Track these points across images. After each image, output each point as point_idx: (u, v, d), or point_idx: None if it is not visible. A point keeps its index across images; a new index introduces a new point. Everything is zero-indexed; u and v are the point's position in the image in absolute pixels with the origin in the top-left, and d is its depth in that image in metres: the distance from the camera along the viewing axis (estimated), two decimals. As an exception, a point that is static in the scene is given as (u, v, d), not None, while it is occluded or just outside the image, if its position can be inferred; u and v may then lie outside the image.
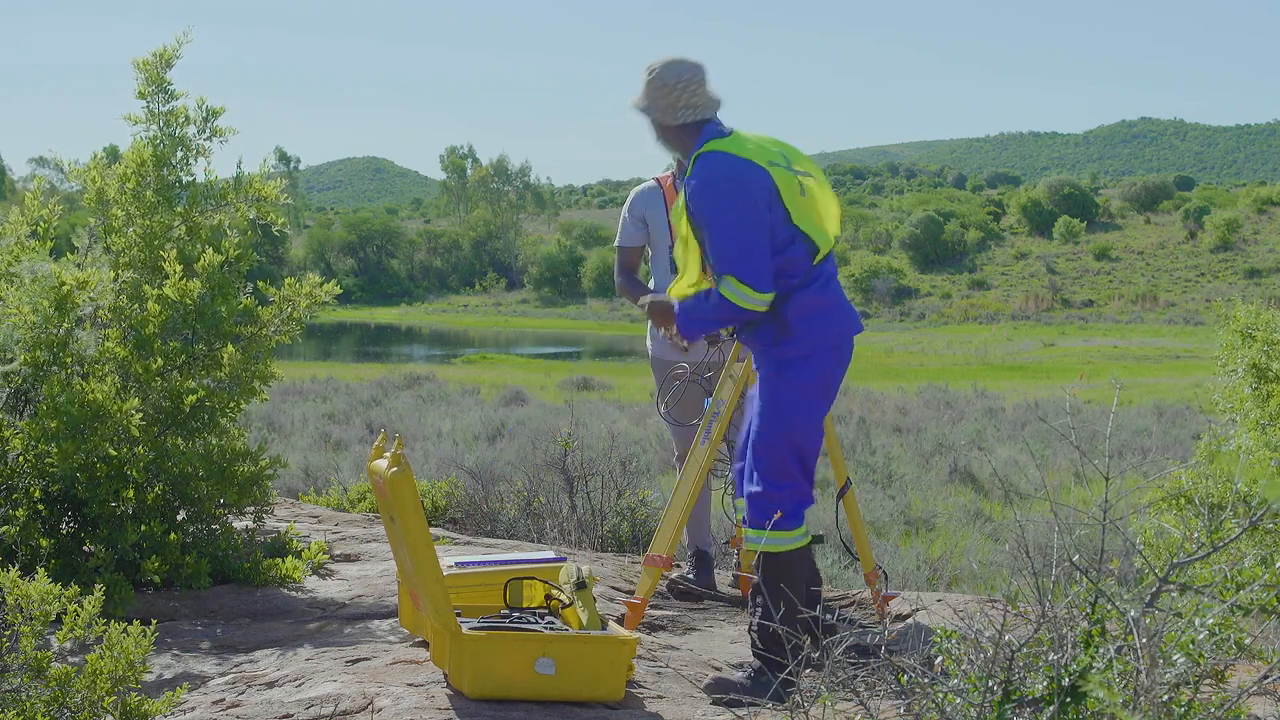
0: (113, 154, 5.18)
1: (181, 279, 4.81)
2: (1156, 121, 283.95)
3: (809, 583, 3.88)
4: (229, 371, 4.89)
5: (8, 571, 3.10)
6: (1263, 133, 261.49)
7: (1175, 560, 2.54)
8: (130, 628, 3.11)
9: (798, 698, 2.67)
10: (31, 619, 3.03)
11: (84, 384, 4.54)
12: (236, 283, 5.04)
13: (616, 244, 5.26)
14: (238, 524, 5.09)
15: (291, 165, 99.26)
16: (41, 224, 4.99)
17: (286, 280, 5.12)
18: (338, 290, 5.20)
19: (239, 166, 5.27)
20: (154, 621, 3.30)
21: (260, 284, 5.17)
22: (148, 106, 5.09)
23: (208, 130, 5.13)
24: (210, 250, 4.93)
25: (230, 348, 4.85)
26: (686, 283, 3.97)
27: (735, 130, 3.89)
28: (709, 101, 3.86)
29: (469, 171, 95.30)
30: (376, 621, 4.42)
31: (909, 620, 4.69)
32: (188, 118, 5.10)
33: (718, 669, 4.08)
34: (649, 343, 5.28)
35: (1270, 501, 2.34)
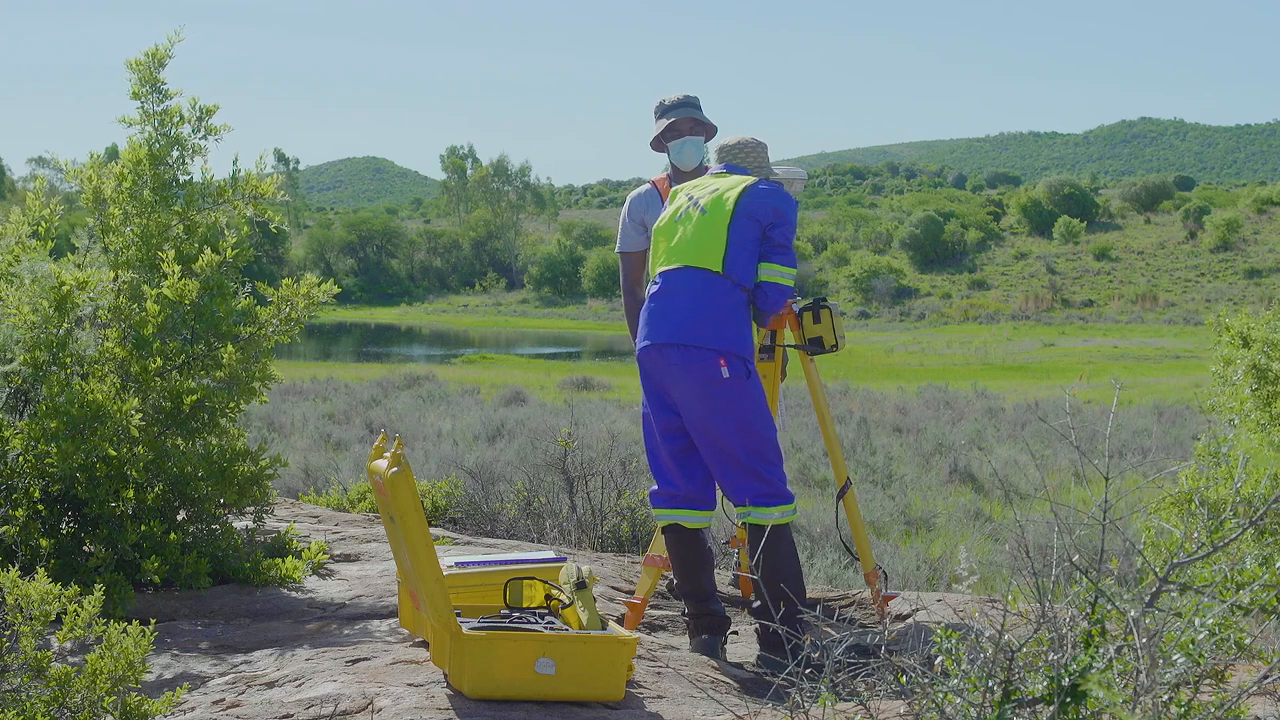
0: (113, 154, 5.18)
1: (180, 279, 4.81)
2: (1156, 121, 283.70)
3: (679, 560, 4.37)
4: (228, 372, 4.89)
5: (8, 571, 3.10)
6: (1263, 133, 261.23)
7: (1175, 560, 2.54)
8: (130, 628, 3.11)
9: (798, 698, 2.67)
10: (31, 619, 3.03)
11: (83, 384, 4.54)
12: (234, 281, 5.04)
13: (618, 250, 5.24)
14: (238, 524, 5.09)
15: (291, 166, 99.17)
16: (43, 224, 4.99)
17: (284, 281, 5.13)
18: (336, 290, 5.20)
19: (234, 164, 5.27)
20: (153, 621, 3.30)
21: (258, 284, 5.17)
22: (142, 107, 5.09)
23: (202, 129, 5.13)
24: (209, 250, 4.94)
25: (229, 348, 4.85)
26: None
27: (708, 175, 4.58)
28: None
29: (469, 171, 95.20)
30: (376, 621, 4.42)
31: (909, 620, 4.69)
32: (182, 117, 5.10)
33: (718, 669, 4.08)
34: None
35: (1271, 500, 2.35)
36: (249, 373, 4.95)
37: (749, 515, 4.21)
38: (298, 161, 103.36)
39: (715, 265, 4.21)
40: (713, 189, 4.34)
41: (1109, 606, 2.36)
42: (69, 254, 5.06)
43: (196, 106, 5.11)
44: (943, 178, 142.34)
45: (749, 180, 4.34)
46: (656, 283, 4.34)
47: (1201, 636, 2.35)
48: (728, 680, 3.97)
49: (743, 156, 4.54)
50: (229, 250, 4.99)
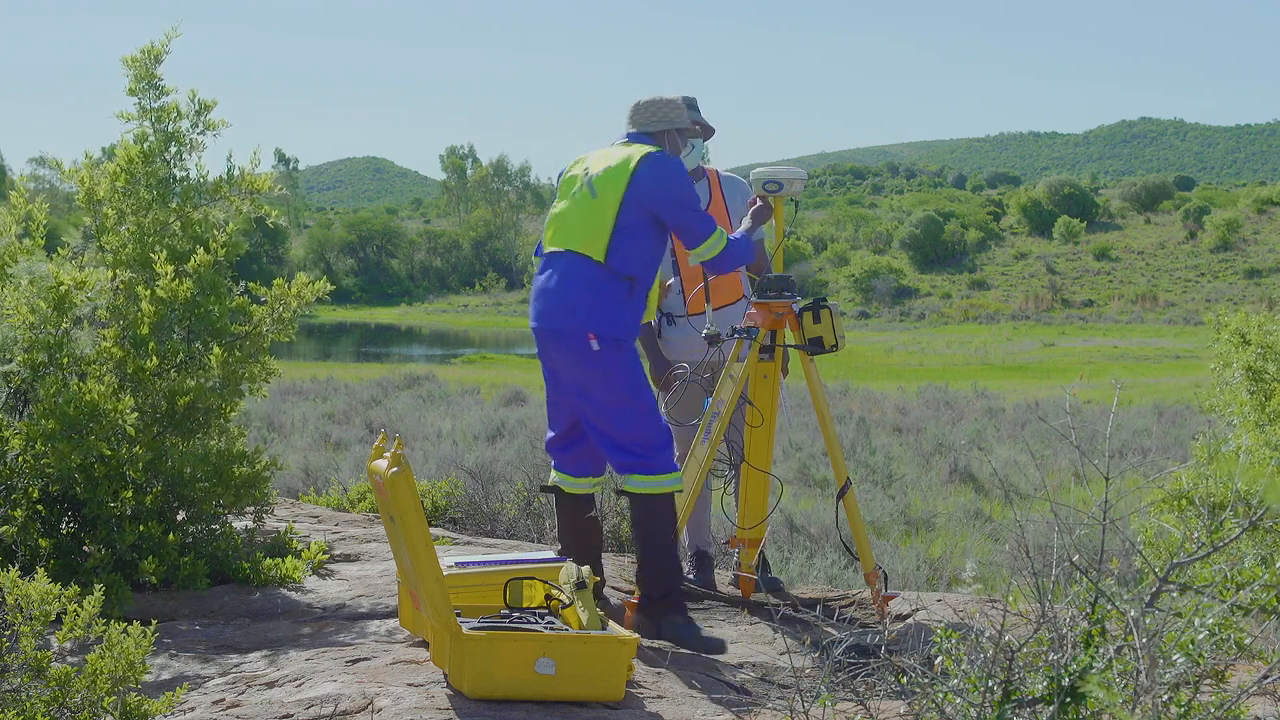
0: (111, 154, 5.17)
1: (174, 279, 4.81)
2: (1156, 121, 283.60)
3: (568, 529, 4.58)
4: (222, 371, 4.89)
5: (7, 571, 3.10)
6: (1263, 133, 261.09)
7: (1175, 560, 2.54)
8: (130, 628, 3.11)
9: (798, 697, 2.67)
10: (31, 619, 3.03)
11: (80, 384, 4.54)
12: (228, 279, 5.05)
13: None
14: (237, 524, 5.09)
15: (291, 166, 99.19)
16: (31, 222, 4.98)
17: (275, 281, 5.14)
18: (330, 287, 5.22)
19: (229, 160, 5.27)
20: (154, 621, 3.30)
21: (251, 285, 5.18)
22: (139, 103, 5.09)
23: (200, 123, 5.12)
24: (200, 249, 4.94)
25: (217, 350, 4.85)
26: None
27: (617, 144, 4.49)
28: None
29: (469, 171, 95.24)
30: (376, 621, 4.42)
31: (909, 620, 4.68)
32: (179, 112, 5.10)
33: (718, 669, 4.08)
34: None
35: (1270, 503, 2.35)
36: (241, 374, 4.95)
37: (625, 484, 4.32)
38: (297, 161, 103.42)
39: (597, 255, 4.25)
40: (605, 165, 4.32)
41: (1109, 606, 2.36)
42: (59, 249, 5.05)
43: (195, 100, 5.11)
44: (943, 178, 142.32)
45: (639, 155, 4.30)
46: (541, 261, 4.42)
47: (1201, 636, 2.35)
48: (728, 680, 3.97)
49: (651, 116, 4.50)
50: (219, 249, 4.99)
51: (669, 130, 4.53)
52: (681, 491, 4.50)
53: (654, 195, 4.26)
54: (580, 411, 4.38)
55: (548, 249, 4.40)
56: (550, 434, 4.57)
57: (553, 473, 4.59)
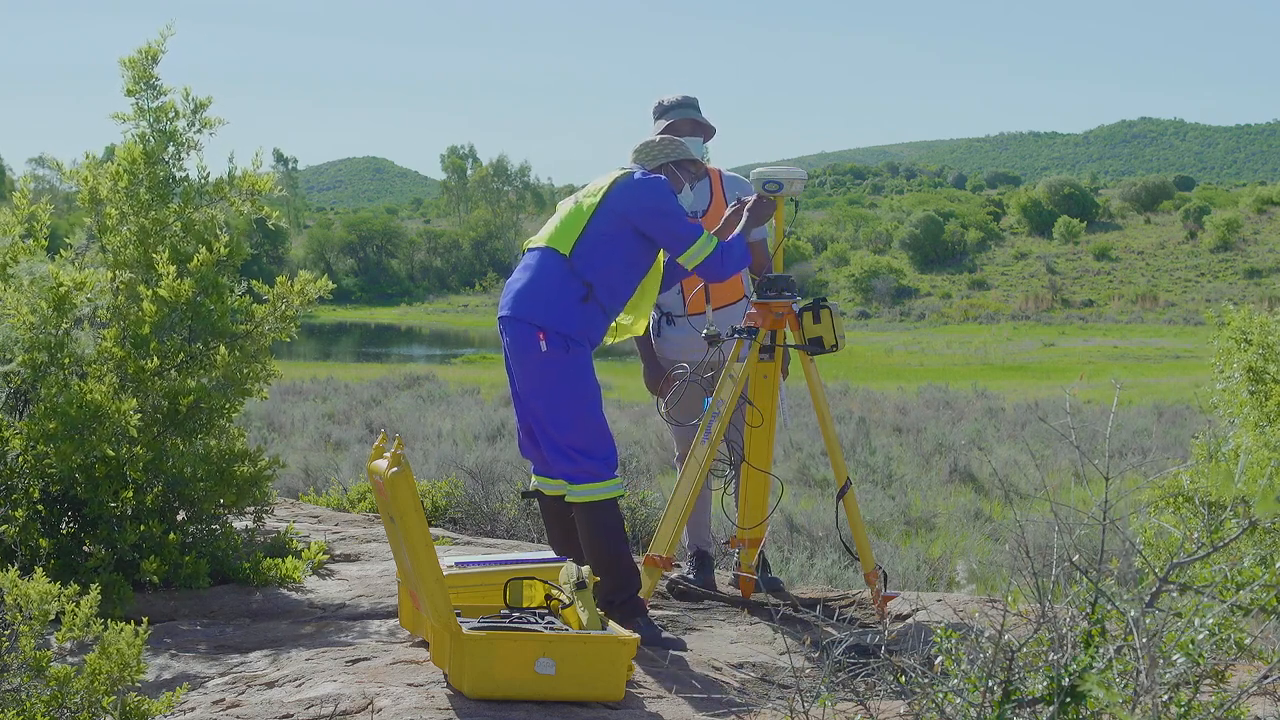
0: (111, 154, 5.18)
1: (175, 279, 4.81)
2: (1156, 121, 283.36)
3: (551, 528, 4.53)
4: (224, 371, 4.89)
5: (7, 571, 3.10)
6: (1263, 133, 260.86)
7: (1175, 560, 2.54)
8: (125, 627, 3.11)
9: (798, 697, 2.67)
10: (31, 619, 3.03)
11: (81, 385, 4.54)
12: (230, 279, 5.05)
13: None
14: (238, 524, 5.10)
15: (290, 166, 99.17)
16: (35, 223, 4.98)
17: (278, 279, 5.14)
18: (331, 286, 5.22)
19: (230, 161, 5.28)
20: (145, 620, 3.30)
21: (254, 283, 5.18)
22: (136, 103, 5.09)
23: (197, 122, 5.13)
24: (203, 249, 4.94)
25: (222, 349, 4.86)
26: None
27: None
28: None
29: (469, 171, 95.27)
30: (376, 621, 4.42)
31: (909, 620, 4.69)
32: (176, 112, 5.10)
33: (718, 669, 4.08)
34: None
35: (1262, 513, 2.35)
36: (244, 373, 4.95)
37: (568, 494, 4.31)
38: (296, 161, 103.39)
39: (564, 249, 4.31)
40: (595, 185, 4.47)
41: (1109, 606, 2.36)
42: (62, 251, 5.06)
43: (190, 98, 5.11)
44: (943, 178, 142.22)
45: (622, 172, 4.45)
46: (525, 257, 4.51)
47: (1201, 636, 2.35)
48: (728, 680, 3.97)
49: (646, 156, 4.63)
50: (221, 249, 4.99)
51: (666, 164, 4.60)
52: (624, 496, 4.48)
53: (632, 204, 4.32)
54: (528, 410, 4.35)
55: (526, 246, 4.50)
56: (520, 436, 4.53)
57: (532, 477, 4.55)
